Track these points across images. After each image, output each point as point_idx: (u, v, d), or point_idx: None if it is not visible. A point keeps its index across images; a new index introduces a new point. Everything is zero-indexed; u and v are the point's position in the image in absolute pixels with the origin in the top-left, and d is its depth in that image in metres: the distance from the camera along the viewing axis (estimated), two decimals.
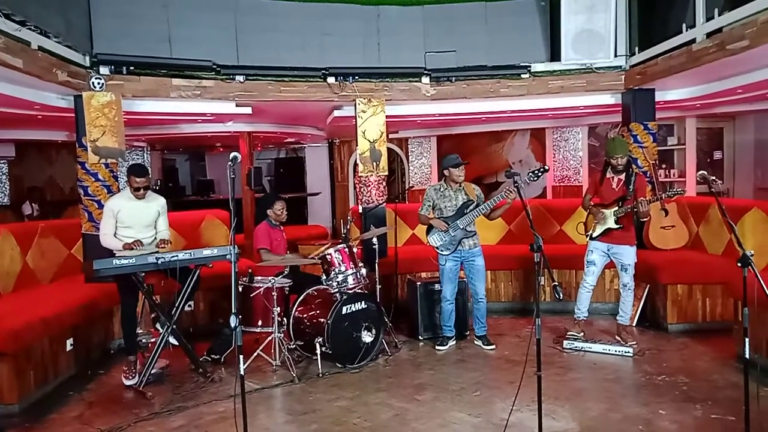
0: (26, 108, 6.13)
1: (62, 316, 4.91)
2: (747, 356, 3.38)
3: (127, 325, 5.00)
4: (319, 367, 5.03)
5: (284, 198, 5.91)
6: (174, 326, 4.89)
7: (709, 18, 5.37)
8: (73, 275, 6.17)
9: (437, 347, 5.68)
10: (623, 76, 6.94)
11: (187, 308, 5.70)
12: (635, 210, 5.20)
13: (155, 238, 5.21)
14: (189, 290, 4.98)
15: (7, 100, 5.59)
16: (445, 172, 5.57)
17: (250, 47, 6.76)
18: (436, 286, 5.93)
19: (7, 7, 4.51)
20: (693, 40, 5.59)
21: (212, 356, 5.40)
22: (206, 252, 4.85)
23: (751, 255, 3.36)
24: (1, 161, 11.27)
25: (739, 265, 3.39)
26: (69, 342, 5.09)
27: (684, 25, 5.73)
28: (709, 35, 5.38)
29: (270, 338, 5.15)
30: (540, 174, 5.20)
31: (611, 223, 5.37)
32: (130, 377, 4.89)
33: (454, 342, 5.76)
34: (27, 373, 4.51)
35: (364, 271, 5.51)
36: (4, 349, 4.25)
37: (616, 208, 5.34)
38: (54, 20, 5.31)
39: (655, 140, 6.96)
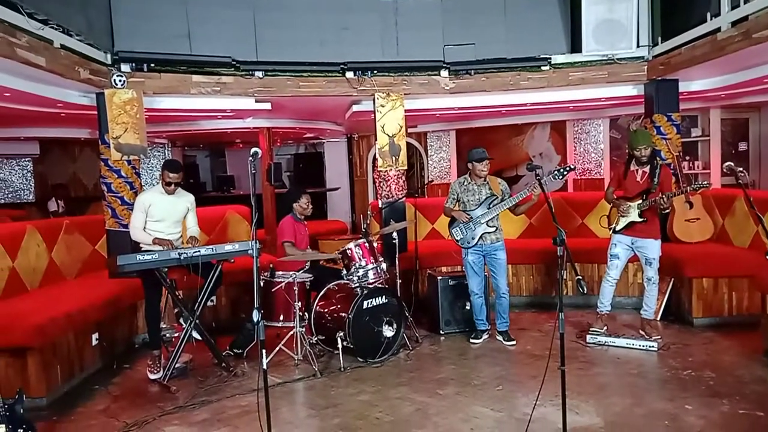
0: (49, 106, 6.22)
1: (87, 311, 4.97)
2: None
3: (152, 320, 5.06)
4: (341, 361, 5.05)
5: (312, 191, 5.95)
6: (197, 321, 4.93)
7: (734, 6, 5.25)
8: (98, 271, 6.25)
9: (472, 340, 5.67)
10: (646, 67, 6.83)
11: (209, 303, 5.77)
12: (658, 203, 5.13)
13: (181, 236, 5.27)
14: (211, 285, 5.03)
15: (31, 98, 5.67)
16: (469, 165, 5.54)
17: (269, 43, 6.76)
18: (457, 281, 5.92)
19: (29, 5, 4.57)
20: (718, 29, 5.47)
21: (235, 351, 5.45)
22: (228, 247, 4.89)
23: None
24: (26, 159, 11.45)
25: (767, 257, 3.33)
26: (94, 336, 5.17)
27: (708, 14, 5.61)
28: (734, 24, 5.27)
29: (291, 333, 5.18)
30: (566, 173, 5.17)
31: (635, 217, 5.30)
32: (155, 371, 4.95)
33: (488, 336, 5.74)
34: (54, 367, 4.59)
35: (384, 265, 5.51)
36: (31, 344, 4.32)
37: (640, 201, 5.26)
38: (75, 18, 5.36)
39: (678, 132, 6.84)
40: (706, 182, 5.20)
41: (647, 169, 5.32)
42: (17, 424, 3.26)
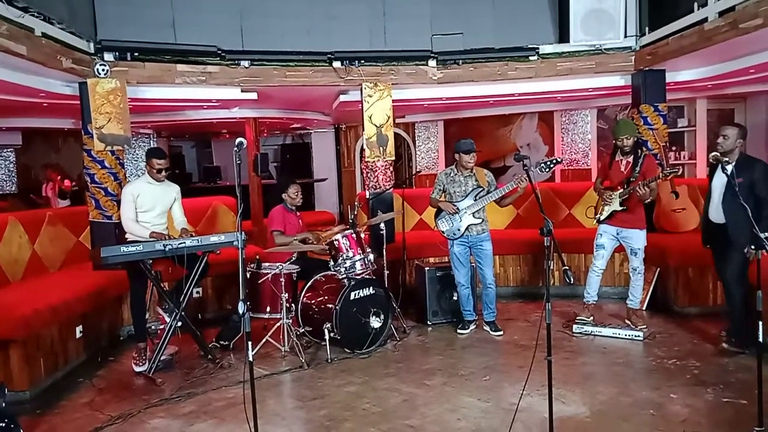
0: (31, 95, 6.11)
1: (71, 303, 4.92)
2: (760, 340, 3.34)
3: (137, 312, 5.01)
4: (328, 352, 5.03)
5: (299, 182, 5.94)
6: (182, 313, 4.89)
7: None
8: (82, 263, 6.18)
9: (458, 331, 5.68)
10: (633, 57, 6.82)
11: (195, 294, 5.72)
12: (636, 192, 5.11)
13: (167, 226, 5.22)
14: (196, 277, 4.98)
15: (12, 88, 5.56)
16: (456, 156, 5.52)
17: (255, 32, 6.67)
18: (445, 272, 5.91)
19: None
20: (705, 19, 5.47)
21: (221, 342, 5.42)
22: (213, 238, 4.84)
23: (766, 238, 3.32)
24: (8, 149, 11.27)
25: (752, 248, 3.35)
26: (78, 329, 5.11)
27: (696, 4, 5.61)
28: (721, 14, 5.26)
29: (278, 324, 5.15)
30: (552, 166, 5.16)
31: (616, 206, 5.33)
32: (140, 364, 4.91)
33: (475, 326, 5.75)
34: (37, 360, 4.54)
35: (371, 256, 5.49)
36: (14, 337, 4.27)
37: (621, 190, 5.29)
38: (57, 6, 5.25)
39: (665, 122, 6.86)
40: (675, 169, 5.11)
41: (631, 159, 5.34)
42: None
